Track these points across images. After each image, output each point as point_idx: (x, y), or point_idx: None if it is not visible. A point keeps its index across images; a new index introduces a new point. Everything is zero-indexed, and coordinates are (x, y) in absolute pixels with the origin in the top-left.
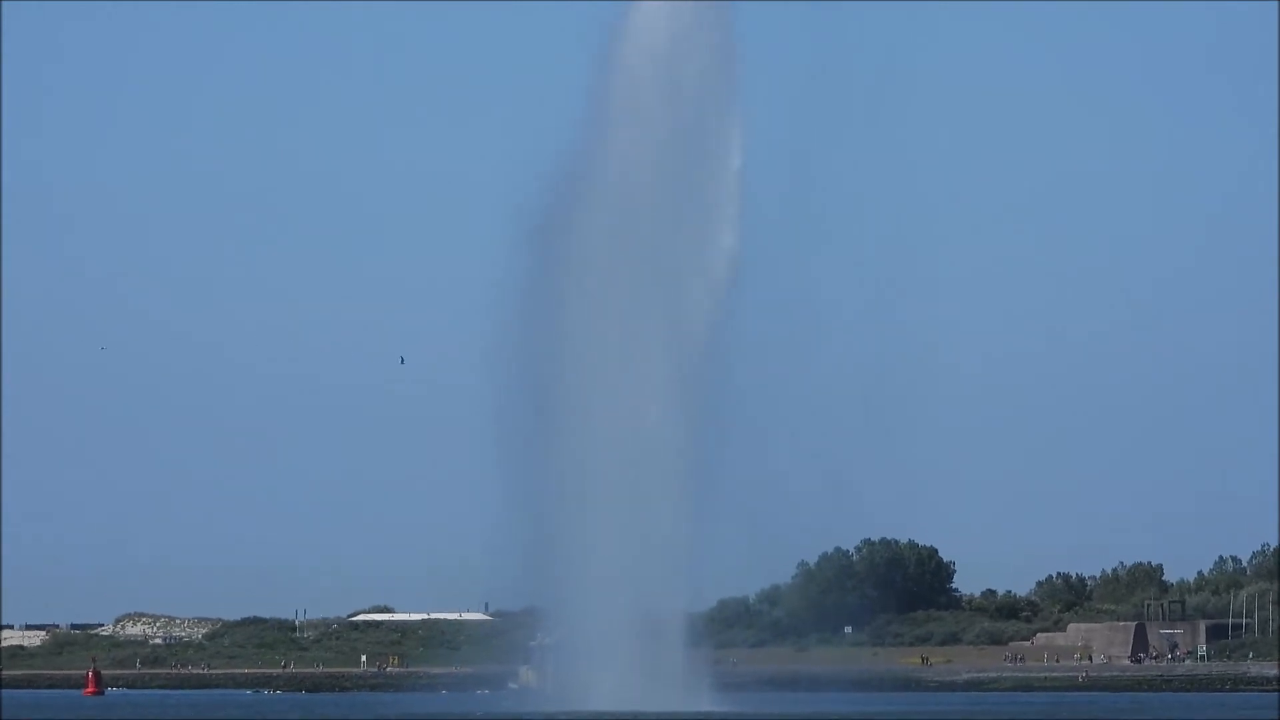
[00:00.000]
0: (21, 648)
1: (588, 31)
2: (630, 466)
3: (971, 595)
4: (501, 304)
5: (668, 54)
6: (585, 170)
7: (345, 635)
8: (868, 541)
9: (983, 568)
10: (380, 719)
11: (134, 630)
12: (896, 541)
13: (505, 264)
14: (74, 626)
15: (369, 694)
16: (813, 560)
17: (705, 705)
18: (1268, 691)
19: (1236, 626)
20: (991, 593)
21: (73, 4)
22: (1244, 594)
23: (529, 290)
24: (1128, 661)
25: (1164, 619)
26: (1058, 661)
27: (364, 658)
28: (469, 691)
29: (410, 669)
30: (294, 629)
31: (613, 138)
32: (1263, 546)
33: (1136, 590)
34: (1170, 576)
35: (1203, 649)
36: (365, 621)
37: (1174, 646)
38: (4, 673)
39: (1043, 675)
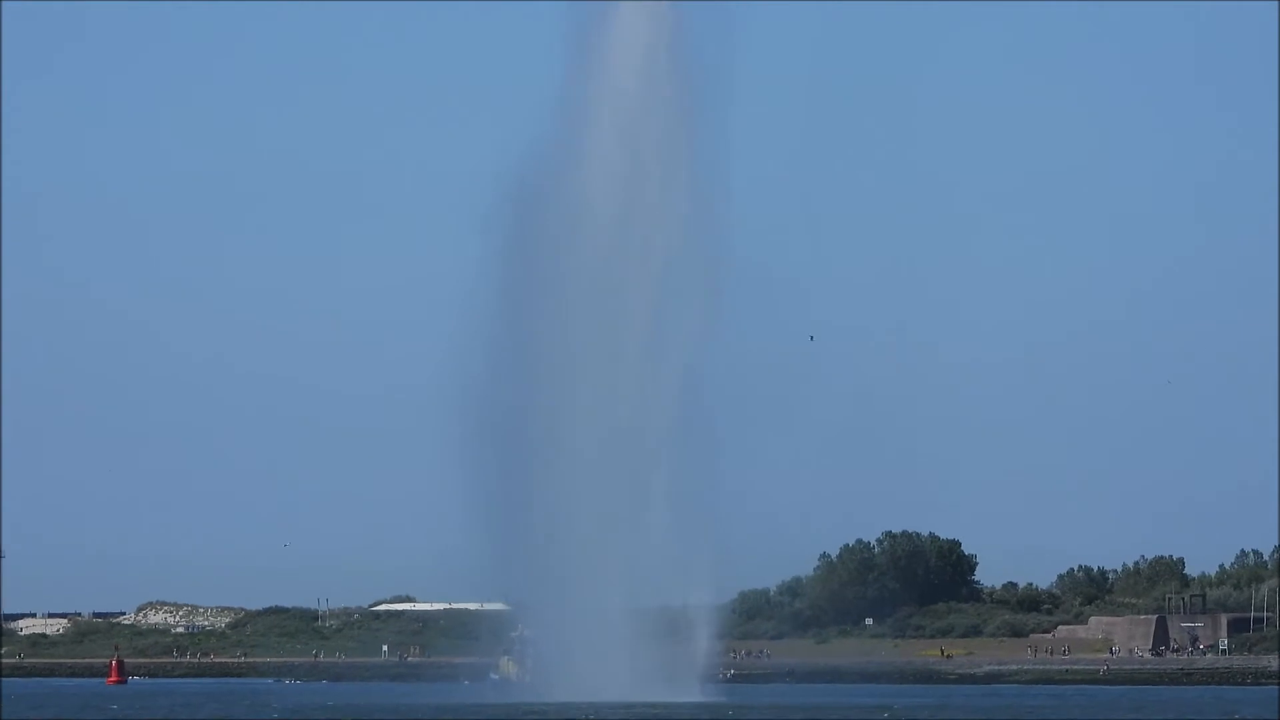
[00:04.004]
0: (43, 636)
1: (563, 39)
2: (613, 463)
3: (993, 588)
4: (481, 297)
5: (646, 68)
6: (562, 172)
7: (367, 625)
8: (889, 534)
9: (1004, 561)
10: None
11: (155, 619)
12: (918, 534)
13: (486, 254)
14: (95, 615)
15: (388, 684)
16: (834, 552)
17: (690, 697)
18: None
19: (1258, 620)
20: (1013, 585)
21: (60, 5)
22: (1265, 588)
23: (507, 283)
24: (1149, 655)
25: (1185, 612)
26: (1063, 654)
27: (385, 647)
28: (458, 682)
29: (431, 658)
30: (316, 618)
31: (589, 146)
32: None
33: (1158, 584)
34: (1191, 570)
35: (1224, 643)
36: (387, 611)
37: (1195, 640)
38: (27, 661)
39: (1063, 668)
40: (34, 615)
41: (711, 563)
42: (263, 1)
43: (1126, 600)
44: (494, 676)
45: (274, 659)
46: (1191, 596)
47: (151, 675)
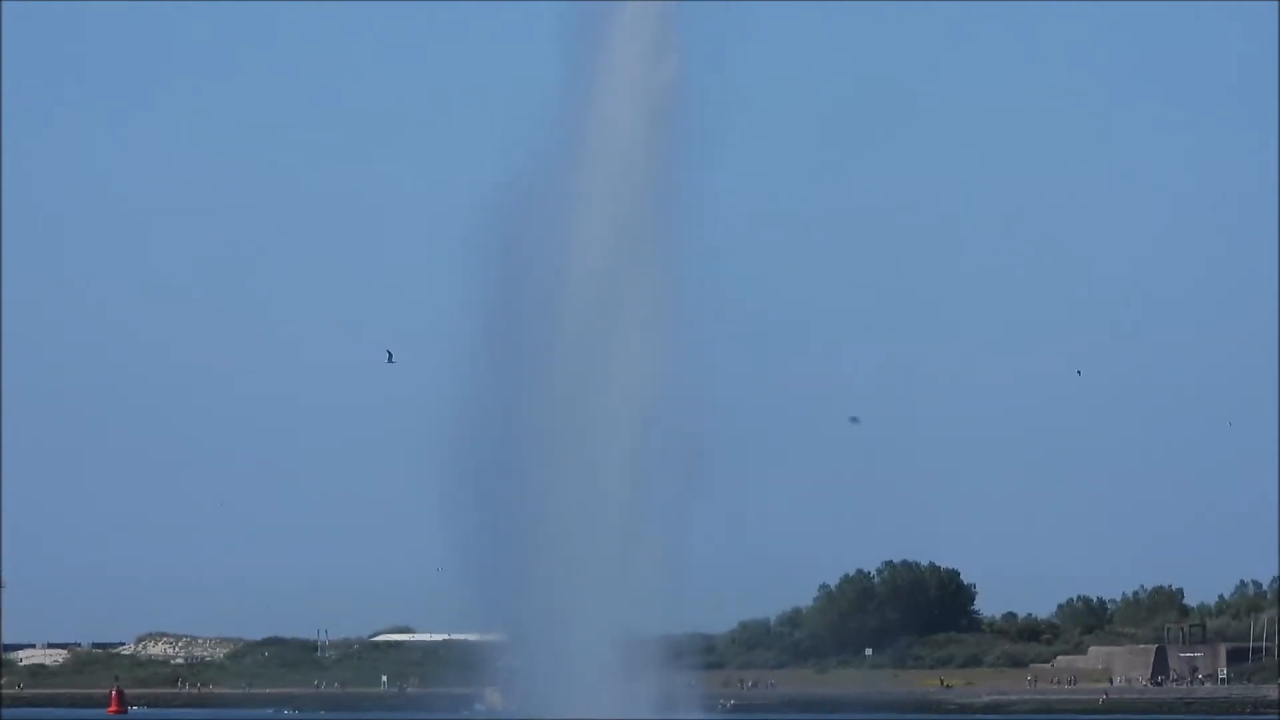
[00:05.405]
0: (43, 666)
1: (558, 48)
2: (605, 494)
3: (992, 618)
4: (467, 320)
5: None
6: (558, 189)
7: (366, 655)
8: (889, 564)
9: (1004, 590)
10: None
11: (155, 650)
12: (918, 564)
13: (474, 277)
14: (95, 645)
15: (386, 714)
16: (834, 583)
17: None
18: None
19: (1257, 650)
20: (1012, 615)
21: (60, 5)
22: (1265, 618)
23: (494, 307)
24: (1148, 685)
25: (1184, 642)
26: (1066, 684)
27: (384, 678)
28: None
29: (431, 689)
30: (315, 649)
31: (585, 165)
32: None
33: (1157, 613)
34: (1191, 600)
35: (1223, 673)
36: (386, 642)
37: (1194, 670)
38: (27, 691)
39: (1063, 698)
40: (33, 646)
41: (703, 592)
42: (260, 2)
43: (1126, 630)
44: (479, 707)
45: (274, 689)
46: (1191, 626)
47: (151, 706)
